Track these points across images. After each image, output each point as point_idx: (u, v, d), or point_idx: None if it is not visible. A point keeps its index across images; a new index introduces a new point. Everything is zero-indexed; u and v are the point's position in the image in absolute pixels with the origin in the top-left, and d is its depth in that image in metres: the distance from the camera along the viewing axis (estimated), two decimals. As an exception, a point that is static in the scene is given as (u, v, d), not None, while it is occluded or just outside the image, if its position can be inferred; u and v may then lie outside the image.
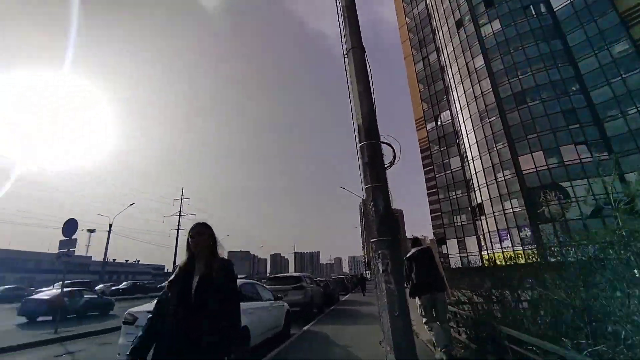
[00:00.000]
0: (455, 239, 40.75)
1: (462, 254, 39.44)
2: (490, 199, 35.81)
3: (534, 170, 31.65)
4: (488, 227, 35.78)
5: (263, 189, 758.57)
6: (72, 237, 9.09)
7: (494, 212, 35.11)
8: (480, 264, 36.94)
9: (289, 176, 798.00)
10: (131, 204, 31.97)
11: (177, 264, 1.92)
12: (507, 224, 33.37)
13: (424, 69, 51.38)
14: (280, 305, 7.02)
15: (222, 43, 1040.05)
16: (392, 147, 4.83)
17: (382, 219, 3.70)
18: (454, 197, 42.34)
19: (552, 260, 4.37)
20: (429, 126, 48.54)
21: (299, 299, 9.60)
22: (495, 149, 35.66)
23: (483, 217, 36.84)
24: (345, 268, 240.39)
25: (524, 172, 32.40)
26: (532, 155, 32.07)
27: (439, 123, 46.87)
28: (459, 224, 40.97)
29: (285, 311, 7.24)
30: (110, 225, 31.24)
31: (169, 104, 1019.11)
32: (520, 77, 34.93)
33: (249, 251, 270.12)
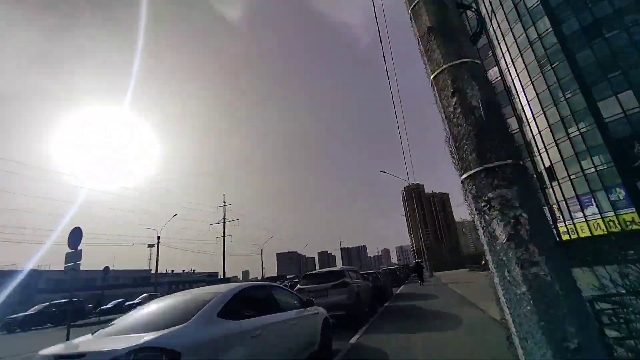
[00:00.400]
0: (522, 212, 35.06)
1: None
2: (562, 159, 29.86)
3: (622, 115, 25.30)
4: (563, 194, 29.96)
5: (300, 190, 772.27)
6: (78, 249, 8.02)
7: (569, 175, 29.20)
8: (558, 239, 31.33)
9: (327, 173, 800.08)
10: (175, 215, 32.77)
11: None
12: (589, 187, 27.41)
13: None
14: (312, 313, 4.95)
15: (251, 60, 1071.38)
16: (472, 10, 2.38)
17: (482, 125, 1.66)
18: (514, 164, 36.39)
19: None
20: (473, 89, 42.52)
21: (343, 300, 7.44)
22: (563, 98, 29.47)
23: (555, 184, 30.98)
24: (394, 259, 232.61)
25: (607, 120, 26.15)
26: (617, 98, 25.67)
27: (485, 83, 40.69)
28: (524, 194, 35.15)
29: (321, 321, 5.13)
30: (159, 238, 32.32)
31: (203, 117, 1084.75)
32: (590, 4, 28.18)
33: (296, 251, 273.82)
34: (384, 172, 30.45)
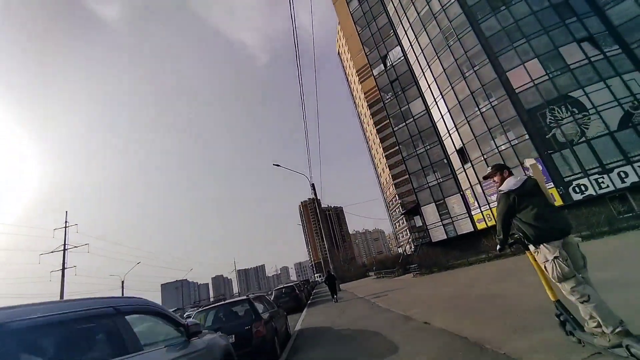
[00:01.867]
0: (433, 204, 31.01)
1: (446, 221, 29.82)
2: (475, 138, 26.72)
3: (531, 84, 23.28)
4: (477, 176, 26.63)
5: (184, 209, 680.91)
6: None
7: (483, 155, 26.05)
8: (473, 229, 27.86)
9: (220, 189, 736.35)
10: None
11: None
12: (505, 164, 24.43)
13: (360, 6, 41.23)
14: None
15: (127, 56, 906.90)
16: None
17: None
18: (422, 149, 32.67)
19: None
20: (375, 71, 38.27)
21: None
22: (472, 71, 26.73)
23: (468, 166, 27.65)
24: (293, 276, 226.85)
25: (517, 91, 23.87)
26: (524, 67, 23.71)
27: (388, 64, 36.97)
28: (435, 182, 31.38)
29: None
30: None
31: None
32: (490, -28, 26.68)
33: (186, 279, 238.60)
34: (277, 165, 21.03)
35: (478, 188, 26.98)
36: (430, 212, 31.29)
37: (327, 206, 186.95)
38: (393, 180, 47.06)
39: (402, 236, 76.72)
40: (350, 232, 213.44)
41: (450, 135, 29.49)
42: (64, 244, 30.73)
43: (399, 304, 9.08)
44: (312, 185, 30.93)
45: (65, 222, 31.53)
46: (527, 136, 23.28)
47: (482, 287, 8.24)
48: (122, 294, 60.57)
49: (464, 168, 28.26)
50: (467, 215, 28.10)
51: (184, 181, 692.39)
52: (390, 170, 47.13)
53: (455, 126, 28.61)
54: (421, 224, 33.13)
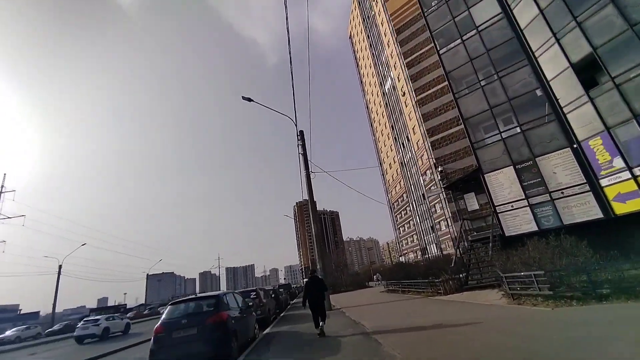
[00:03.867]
0: (511, 168, 17.24)
1: (538, 199, 16.07)
2: (619, 35, 13.15)
3: None
4: (627, 104, 13.02)
5: (180, 199, 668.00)
6: None
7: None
8: (604, 213, 14.17)
9: (215, 182, 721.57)
10: None
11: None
12: None
13: None
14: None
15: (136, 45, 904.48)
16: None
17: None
18: (492, 77, 19.02)
19: None
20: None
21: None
22: None
23: (599, 92, 14.10)
24: (281, 279, 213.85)
25: None
26: None
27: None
28: (516, 130, 17.56)
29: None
30: None
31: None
32: None
33: (173, 272, 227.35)
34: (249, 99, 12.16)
35: (624, 130, 13.30)
36: (501, 182, 17.47)
37: (323, 209, 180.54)
38: (429, 137, 33.19)
39: (407, 243, 62.59)
40: (344, 239, 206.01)
41: (558, 41, 15.87)
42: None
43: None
44: (301, 133, 18.55)
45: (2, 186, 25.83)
46: None
47: None
48: (58, 279, 47.03)
49: (588, 96, 14.55)
50: (591, 186, 14.35)
51: (183, 173, 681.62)
52: (425, 121, 33.59)
53: (576, 19, 15.04)
54: (477, 207, 19.29)
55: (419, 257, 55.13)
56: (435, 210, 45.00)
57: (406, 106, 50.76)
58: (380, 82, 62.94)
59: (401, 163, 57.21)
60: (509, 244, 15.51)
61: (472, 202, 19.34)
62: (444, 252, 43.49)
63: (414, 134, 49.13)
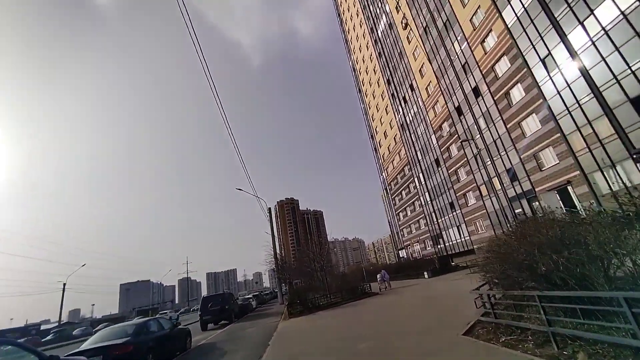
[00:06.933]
0: None
1: None
2: None
3: None
4: None
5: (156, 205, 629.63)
6: None
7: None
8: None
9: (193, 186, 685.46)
10: None
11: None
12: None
13: None
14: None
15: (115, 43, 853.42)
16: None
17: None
18: None
19: None
20: None
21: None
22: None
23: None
24: (267, 282, 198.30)
25: None
26: None
27: None
28: None
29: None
30: None
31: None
32: None
33: (149, 280, 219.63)
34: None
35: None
36: None
37: (306, 209, 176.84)
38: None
39: (410, 231, 49.22)
40: (329, 240, 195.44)
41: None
42: None
43: None
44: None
45: None
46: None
47: None
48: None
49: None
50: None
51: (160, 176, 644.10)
52: None
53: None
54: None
55: (428, 248, 41.86)
56: (458, 179, 31.81)
57: (409, 42, 37.77)
58: (372, 28, 49.77)
59: (402, 126, 44.07)
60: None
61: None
62: (474, 236, 30.32)
63: (422, 76, 35.92)
